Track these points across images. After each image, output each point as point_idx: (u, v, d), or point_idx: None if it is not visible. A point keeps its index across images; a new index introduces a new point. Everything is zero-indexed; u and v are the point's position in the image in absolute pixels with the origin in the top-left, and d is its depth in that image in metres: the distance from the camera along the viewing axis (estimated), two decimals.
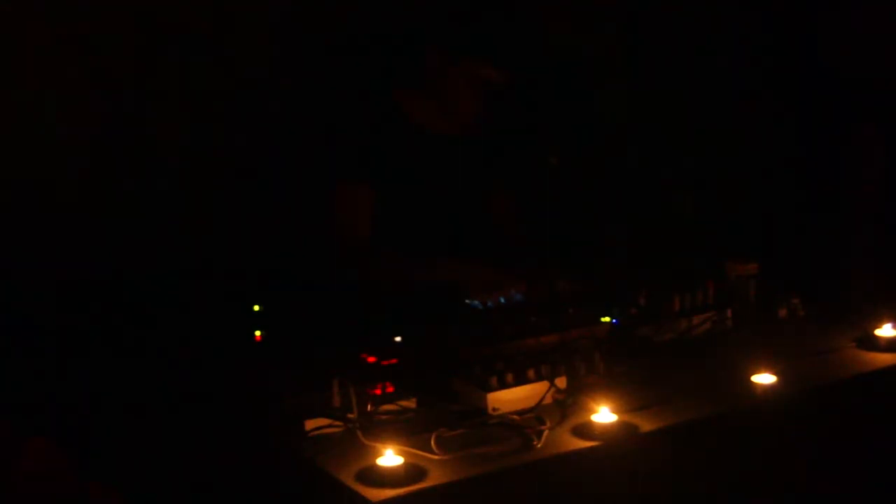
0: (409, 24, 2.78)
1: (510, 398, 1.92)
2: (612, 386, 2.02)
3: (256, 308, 2.50)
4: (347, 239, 2.56)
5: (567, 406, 1.90)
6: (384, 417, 1.89)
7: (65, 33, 2.61)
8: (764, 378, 2.03)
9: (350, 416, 1.84)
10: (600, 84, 3.44)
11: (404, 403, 1.92)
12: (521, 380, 1.95)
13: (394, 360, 2.00)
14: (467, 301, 2.35)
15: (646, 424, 1.86)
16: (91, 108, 2.67)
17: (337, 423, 1.83)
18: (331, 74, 2.93)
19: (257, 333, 2.40)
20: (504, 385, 1.93)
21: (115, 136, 2.70)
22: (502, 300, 2.34)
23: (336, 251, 2.57)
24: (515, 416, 1.88)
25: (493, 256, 2.69)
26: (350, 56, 2.95)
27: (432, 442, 1.75)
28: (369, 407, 1.88)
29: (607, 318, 2.26)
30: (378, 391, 1.92)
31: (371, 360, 1.99)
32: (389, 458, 1.68)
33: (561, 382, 1.97)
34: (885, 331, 2.25)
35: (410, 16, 2.80)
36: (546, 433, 1.80)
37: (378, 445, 1.71)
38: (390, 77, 2.74)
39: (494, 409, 1.90)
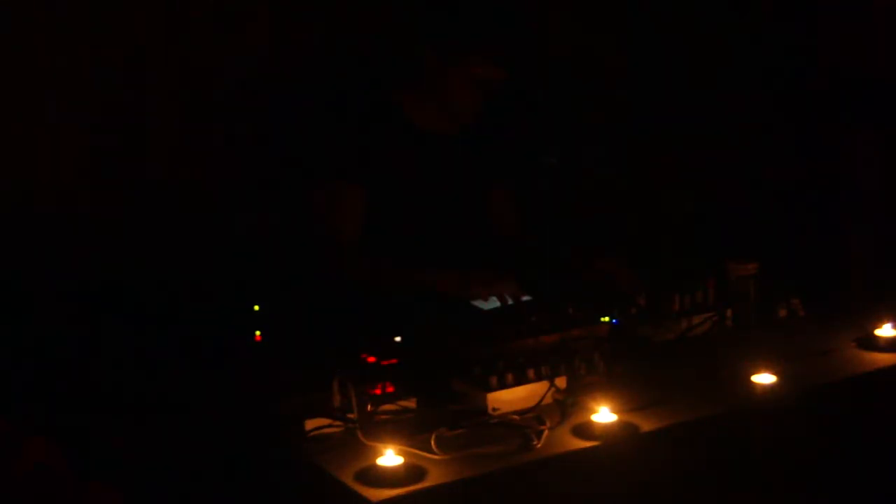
0: (408, 23, 2.78)
1: (510, 398, 1.92)
2: (612, 386, 2.02)
3: (256, 308, 2.50)
4: (336, 240, 2.55)
5: (567, 406, 1.89)
6: (384, 417, 1.89)
7: (64, 34, 2.61)
8: (764, 378, 2.03)
9: (350, 416, 1.84)
10: (600, 84, 3.44)
11: (404, 403, 1.92)
12: (521, 380, 1.95)
13: (394, 360, 2.00)
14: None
15: (646, 424, 1.86)
16: (90, 109, 2.67)
17: (337, 423, 1.84)
18: (326, 73, 2.93)
19: (257, 333, 2.40)
20: (504, 385, 1.93)
21: (114, 136, 2.70)
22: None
23: (324, 251, 2.57)
24: (515, 416, 1.88)
25: (493, 258, 2.69)
26: (346, 55, 2.95)
27: (432, 442, 1.75)
28: (369, 407, 1.88)
29: (607, 318, 2.27)
30: (378, 391, 1.92)
31: (371, 360, 1.99)
32: (389, 458, 1.68)
33: (561, 382, 1.97)
34: (885, 331, 2.25)
35: (409, 15, 2.80)
36: (546, 433, 1.80)
37: (378, 445, 1.71)
38: (387, 77, 2.73)
39: (494, 409, 1.90)
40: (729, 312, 2.38)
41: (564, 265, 2.65)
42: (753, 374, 2.04)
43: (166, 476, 1.99)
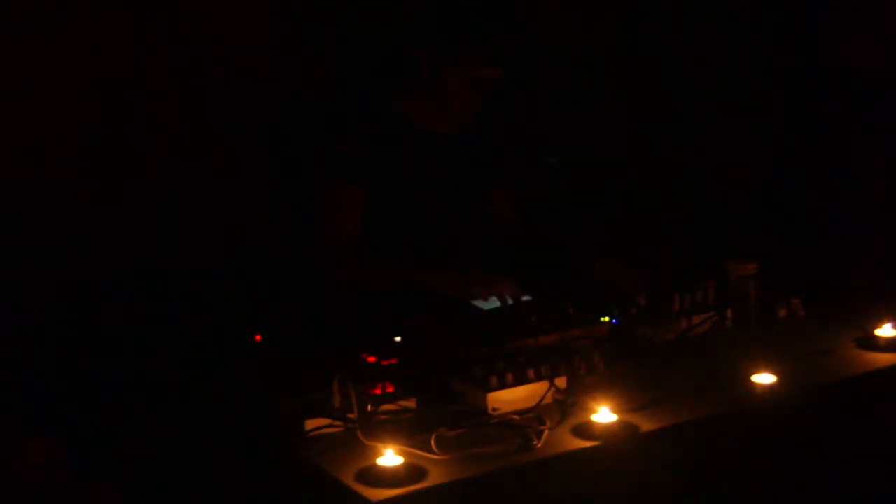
0: (406, 23, 2.78)
1: (510, 398, 1.92)
2: (612, 386, 2.02)
3: (256, 308, 2.50)
4: (334, 240, 2.55)
5: (567, 406, 1.89)
6: (384, 417, 1.89)
7: (64, 34, 2.61)
8: (764, 378, 2.03)
9: (350, 416, 1.84)
10: (600, 83, 3.44)
11: (404, 403, 1.92)
12: (521, 380, 1.94)
13: (394, 360, 2.00)
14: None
15: (646, 424, 1.86)
16: (90, 109, 2.67)
17: (337, 423, 1.83)
18: (327, 73, 2.93)
19: (257, 334, 2.40)
20: (504, 385, 1.93)
21: (114, 136, 2.71)
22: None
23: (324, 251, 2.56)
24: (515, 416, 1.88)
25: (493, 258, 2.69)
26: (346, 55, 2.95)
27: (432, 442, 1.75)
28: (369, 407, 1.88)
29: (607, 318, 2.27)
30: (378, 391, 1.92)
31: (371, 360, 1.99)
32: (389, 458, 1.68)
33: (561, 382, 1.97)
34: (885, 331, 2.25)
35: (407, 15, 2.80)
36: (546, 433, 1.80)
37: (378, 445, 1.71)
38: (387, 77, 2.73)
39: (494, 409, 1.90)
40: (729, 312, 2.38)
41: (564, 265, 2.65)
42: (753, 374, 2.04)
43: (166, 476, 1.99)
